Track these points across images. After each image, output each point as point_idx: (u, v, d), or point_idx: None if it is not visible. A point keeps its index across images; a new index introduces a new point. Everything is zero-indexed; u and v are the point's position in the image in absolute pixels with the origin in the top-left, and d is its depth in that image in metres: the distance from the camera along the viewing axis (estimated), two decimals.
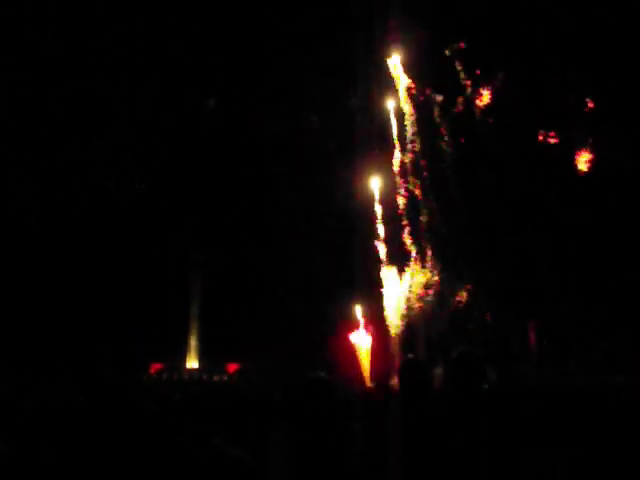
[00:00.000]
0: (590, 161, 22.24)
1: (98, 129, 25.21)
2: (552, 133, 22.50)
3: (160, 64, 25.20)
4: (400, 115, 24.07)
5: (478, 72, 23.57)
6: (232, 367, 29.21)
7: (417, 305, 23.19)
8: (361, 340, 23.82)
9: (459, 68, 23.60)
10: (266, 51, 25.14)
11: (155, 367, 29.03)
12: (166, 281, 27.12)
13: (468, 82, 23.66)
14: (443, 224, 22.88)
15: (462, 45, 23.60)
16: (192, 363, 29.93)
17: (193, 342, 30.00)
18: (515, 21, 21.97)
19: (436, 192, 23.33)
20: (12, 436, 5.34)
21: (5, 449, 4.16)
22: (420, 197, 23.49)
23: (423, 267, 23.26)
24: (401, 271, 23.43)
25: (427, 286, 23.12)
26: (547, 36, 21.52)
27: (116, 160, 25.57)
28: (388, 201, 23.70)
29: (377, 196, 23.84)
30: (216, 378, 28.98)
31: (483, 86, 23.47)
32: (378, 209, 23.69)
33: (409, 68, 23.82)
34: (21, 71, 22.78)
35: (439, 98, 23.79)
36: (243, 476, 3.38)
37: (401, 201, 23.56)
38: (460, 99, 23.76)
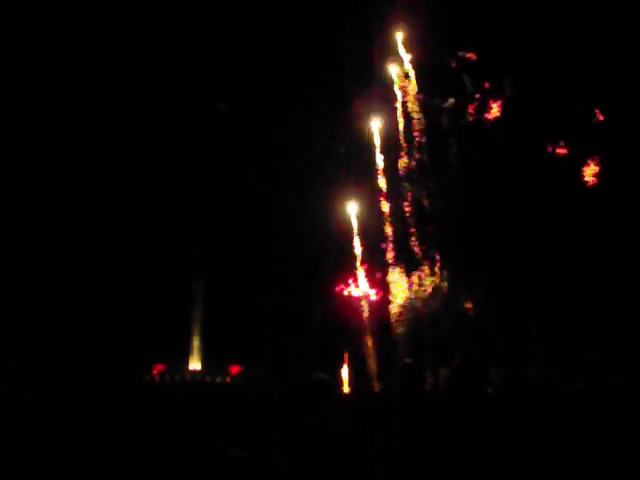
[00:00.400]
0: (596, 175, 22.21)
1: (98, 129, 25.18)
2: (561, 142, 22.42)
3: (160, 64, 25.19)
4: (406, 120, 24.17)
5: (487, 85, 23.52)
6: (234, 369, 29.18)
7: (421, 307, 23.27)
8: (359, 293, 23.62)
9: (467, 79, 23.61)
10: (266, 52, 25.16)
11: (158, 368, 29.02)
12: (169, 283, 27.12)
13: (477, 93, 23.65)
14: (447, 226, 22.93)
15: (471, 56, 23.57)
16: (194, 365, 29.91)
17: (196, 343, 29.98)
18: (525, 32, 21.89)
19: (441, 195, 23.40)
20: (14, 436, 5.36)
21: (7, 449, 4.18)
22: (426, 200, 23.57)
23: (430, 270, 23.36)
24: (408, 274, 23.51)
25: (434, 289, 23.21)
26: (557, 47, 21.48)
27: (117, 160, 25.54)
28: (394, 203, 23.80)
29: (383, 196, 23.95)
30: (218, 380, 28.96)
31: (492, 98, 23.42)
32: (386, 210, 23.77)
33: (417, 73, 23.93)
34: (21, 71, 22.75)
35: (451, 100, 23.79)
36: (243, 476, 3.39)
37: (407, 206, 23.64)
38: (471, 109, 23.73)
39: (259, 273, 26.48)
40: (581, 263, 20.85)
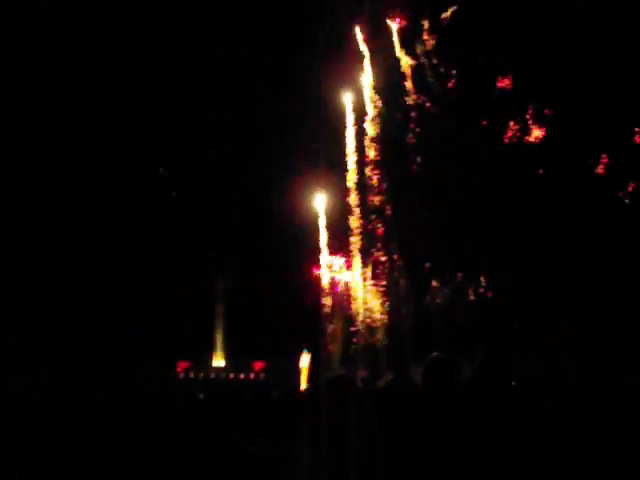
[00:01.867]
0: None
1: (100, 130, 25.02)
2: (605, 160, 21.88)
3: (160, 64, 25.09)
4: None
5: (528, 116, 23.12)
6: (258, 365, 29.33)
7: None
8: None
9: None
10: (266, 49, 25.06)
11: (182, 366, 29.28)
12: (192, 280, 27.20)
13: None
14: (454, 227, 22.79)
15: (507, 83, 23.26)
16: (218, 361, 30.06)
17: (219, 340, 30.12)
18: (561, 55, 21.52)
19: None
20: (18, 435, 5.34)
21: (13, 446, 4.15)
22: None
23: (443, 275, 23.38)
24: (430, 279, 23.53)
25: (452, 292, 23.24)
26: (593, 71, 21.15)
27: (119, 160, 25.45)
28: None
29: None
30: (242, 376, 29.13)
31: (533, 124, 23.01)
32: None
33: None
34: (21, 71, 22.72)
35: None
36: (257, 470, 3.35)
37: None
38: (512, 127, 23.31)
39: (279, 268, 26.39)
40: (582, 263, 20.56)
